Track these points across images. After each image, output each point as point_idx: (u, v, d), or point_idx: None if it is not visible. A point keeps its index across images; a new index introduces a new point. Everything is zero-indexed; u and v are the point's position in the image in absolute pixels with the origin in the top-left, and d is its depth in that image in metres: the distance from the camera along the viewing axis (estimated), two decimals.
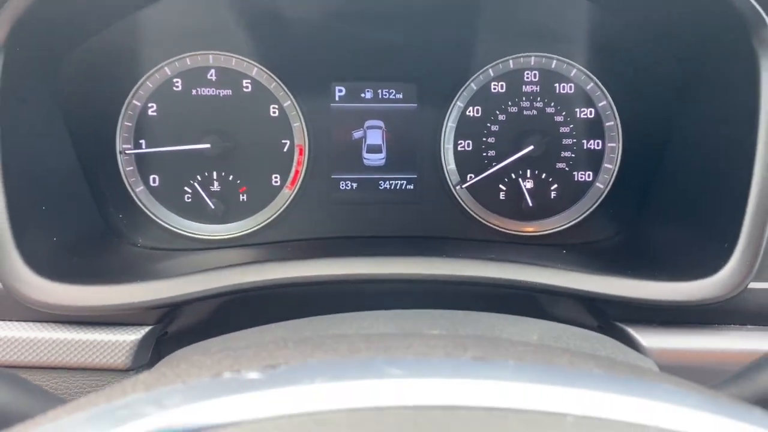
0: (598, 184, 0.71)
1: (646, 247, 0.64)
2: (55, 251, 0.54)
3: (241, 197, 0.69)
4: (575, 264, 0.58)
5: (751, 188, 0.52)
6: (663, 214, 0.65)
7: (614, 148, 0.70)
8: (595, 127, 0.70)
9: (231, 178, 0.69)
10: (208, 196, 0.68)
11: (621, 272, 0.54)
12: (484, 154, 0.71)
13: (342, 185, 0.71)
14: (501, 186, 0.71)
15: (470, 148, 0.71)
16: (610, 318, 0.54)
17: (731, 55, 0.53)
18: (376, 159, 0.71)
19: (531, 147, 0.68)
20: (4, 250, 0.51)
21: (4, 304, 0.51)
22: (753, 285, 0.51)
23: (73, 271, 0.55)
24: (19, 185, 0.52)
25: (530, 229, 0.71)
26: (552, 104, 0.70)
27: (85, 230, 0.61)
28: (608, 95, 0.70)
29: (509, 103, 0.70)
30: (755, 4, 0.49)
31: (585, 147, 0.70)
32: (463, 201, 0.70)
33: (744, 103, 0.52)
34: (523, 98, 0.71)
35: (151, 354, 0.54)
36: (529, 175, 0.71)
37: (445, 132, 0.71)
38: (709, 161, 0.58)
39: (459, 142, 0.71)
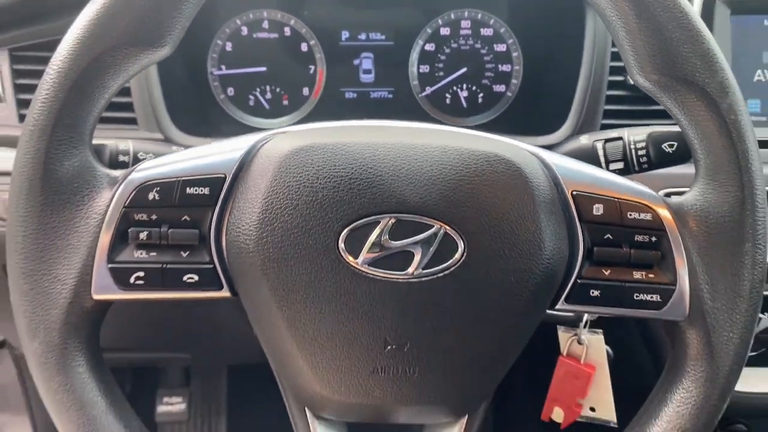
0: (508, 93, 1.06)
1: (526, 122, 1.03)
2: (184, 123, 0.92)
3: (284, 102, 1.07)
4: None
5: (579, 81, 0.92)
6: (537, 106, 1.03)
7: (518, 70, 1.05)
8: (506, 56, 1.05)
9: (278, 90, 1.03)
10: (264, 101, 1.07)
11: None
12: (436, 74, 1.04)
13: (347, 95, 1.05)
14: (446, 94, 1.05)
15: (428, 71, 1.05)
16: None
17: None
18: (368, 78, 1.04)
19: (464, 69, 1.05)
20: (163, 119, 0.88)
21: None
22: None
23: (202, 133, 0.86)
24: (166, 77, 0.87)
25: (466, 123, 1.09)
26: (478, 42, 1.03)
27: (196, 115, 0.99)
28: (514, 35, 1.04)
29: (451, 41, 1.03)
30: None
31: (500, 69, 1.05)
32: (422, 104, 1.06)
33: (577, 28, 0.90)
34: (460, 38, 1.03)
35: None
36: (464, 88, 1.05)
37: (411, 60, 1.03)
38: (562, 69, 0.98)
39: (420, 66, 1.04)
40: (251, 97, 1.04)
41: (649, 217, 0.52)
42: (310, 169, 0.52)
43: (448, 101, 1.06)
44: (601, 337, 0.77)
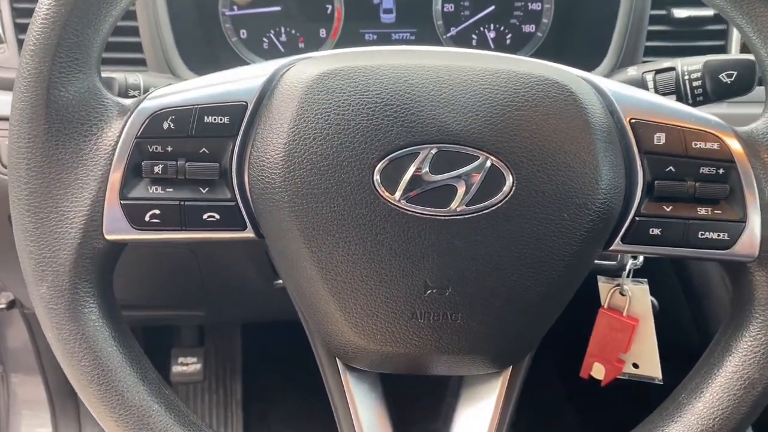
0: (538, 33, 1.01)
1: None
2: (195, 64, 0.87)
3: (299, 44, 1.01)
4: None
5: (618, 16, 0.85)
6: (569, 47, 0.98)
7: (549, 8, 0.99)
8: None
9: (293, 31, 0.97)
10: (278, 44, 1.01)
11: None
12: (462, 13, 0.99)
13: (367, 36, 1.00)
14: (473, 35, 1.00)
15: (452, 10, 0.99)
16: None
17: None
18: (389, 18, 0.99)
19: (492, 7, 0.99)
20: (174, 59, 0.85)
21: None
22: None
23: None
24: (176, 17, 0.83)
25: None
26: None
27: (207, 58, 0.94)
28: None
29: None
30: None
31: (529, 8, 0.99)
32: (445, 44, 1.02)
33: None
34: None
35: None
36: (491, 28, 1.00)
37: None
38: (598, 5, 0.91)
39: (444, 5, 0.98)
40: (265, 39, 0.99)
41: (716, 146, 0.48)
42: (341, 94, 0.47)
43: (474, 42, 1.00)
44: (646, 287, 0.72)
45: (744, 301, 0.52)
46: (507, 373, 0.55)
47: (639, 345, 0.74)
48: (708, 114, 0.51)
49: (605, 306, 0.75)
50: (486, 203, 0.47)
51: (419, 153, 0.47)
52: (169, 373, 1.31)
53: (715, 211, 0.49)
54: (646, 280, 0.73)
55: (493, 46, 1.00)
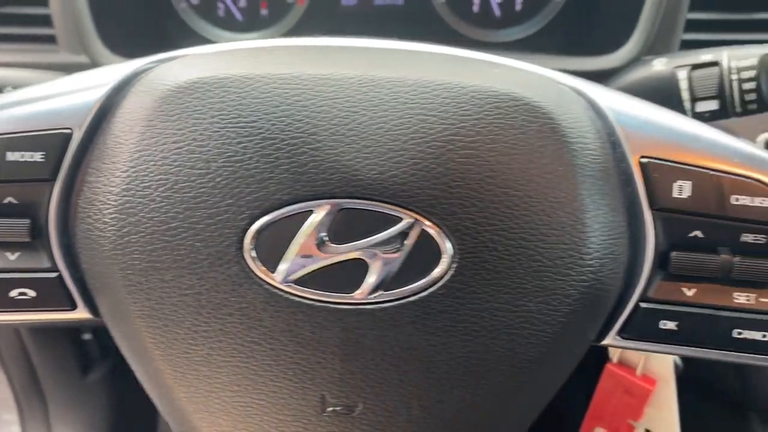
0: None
1: (577, 37, 0.79)
2: (123, 42, 0.72)
3: (261, 11, 0.85)
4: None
5: None
6: (594, 15, 0.79)
7: None
8: None
9: None
10: (236, 10, 0.84)
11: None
12: None
13: (344, 1, 0.84)
14: (474, 0, 0.84)
15: None
16: None
17: None
18: None
19: None
20: (89, 36, 0.69)
21: None
22: None
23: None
24: None
25: (497, 38, 0.85)
26: None
27: (144, 32, 0.79)
28: None
29: None
30: None
31: None
32: (441, 14, 0.84)
33: None
34: None
35: None
36: None
37: None
38: None
39: None
40: (220, 4, 0.82)
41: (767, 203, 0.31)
42: (202, 120, 0.32)
43: (475, 9, 0.82)
44: None
45: None
46: None
47: (655, 411, 0.58)
48: (758, 149, 0.34)
49: (614, 361, 0.59)
50: (412, 287, 0.32)
51: (312, 212, 0.32)
52: None
53: (761, 300, 0.33)
54: None
55: (498, 14, 0.82)
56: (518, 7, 0.83)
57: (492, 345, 0.33)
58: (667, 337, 0.35)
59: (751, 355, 0.34)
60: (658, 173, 0.34)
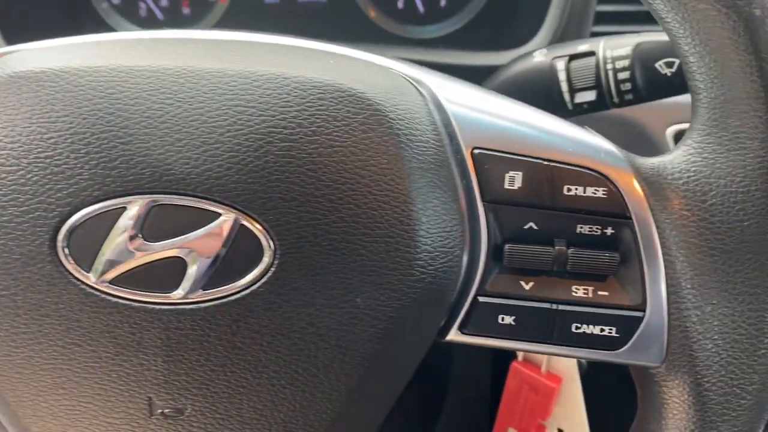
0: None
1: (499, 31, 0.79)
2: None
3: (183, 10, 0.84)
4: None
5: None
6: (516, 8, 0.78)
7: None
8: None
9: None
10: (157, 10, 0.83)
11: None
12: None
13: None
14: None
15: None
16: None
17: None
18: None
19: None
20: None
21: None
22: None
23: None
24: None
25: (422, 34, 0.85)
26: None
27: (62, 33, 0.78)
28: None
29: None
30: None
31: None
32: (365, 10, 0.83)
33: None
34: None
35: None
36: None
37: None
38: None
39: None
40: (142, 4, 0.81)
41: (602, 193, 0.30)
42: (14, 116, 0.31)
43: (400, 5, 0.81)
44: None
45: (648, 417, 0.35)
46: None
47: (563, 409, 0.57)
48: (595, 137, 0.33)
49: (519, 359, 0.58)
50: (233, 285, 0.31)
51: (126, 209, 0.31)
52: None
53: (599, 293, 0.32)
54: None
55: (422, 10, 0.81)
56: (442, 3, 0.82)
57: (321, 343, 0.32)
58: (506, 332, 0.34)
59: (590, 350, 0.34)
60: (489, 164, 0.33)
